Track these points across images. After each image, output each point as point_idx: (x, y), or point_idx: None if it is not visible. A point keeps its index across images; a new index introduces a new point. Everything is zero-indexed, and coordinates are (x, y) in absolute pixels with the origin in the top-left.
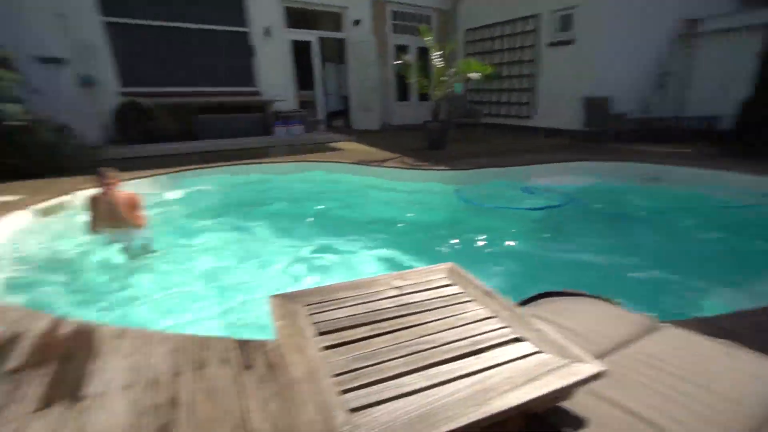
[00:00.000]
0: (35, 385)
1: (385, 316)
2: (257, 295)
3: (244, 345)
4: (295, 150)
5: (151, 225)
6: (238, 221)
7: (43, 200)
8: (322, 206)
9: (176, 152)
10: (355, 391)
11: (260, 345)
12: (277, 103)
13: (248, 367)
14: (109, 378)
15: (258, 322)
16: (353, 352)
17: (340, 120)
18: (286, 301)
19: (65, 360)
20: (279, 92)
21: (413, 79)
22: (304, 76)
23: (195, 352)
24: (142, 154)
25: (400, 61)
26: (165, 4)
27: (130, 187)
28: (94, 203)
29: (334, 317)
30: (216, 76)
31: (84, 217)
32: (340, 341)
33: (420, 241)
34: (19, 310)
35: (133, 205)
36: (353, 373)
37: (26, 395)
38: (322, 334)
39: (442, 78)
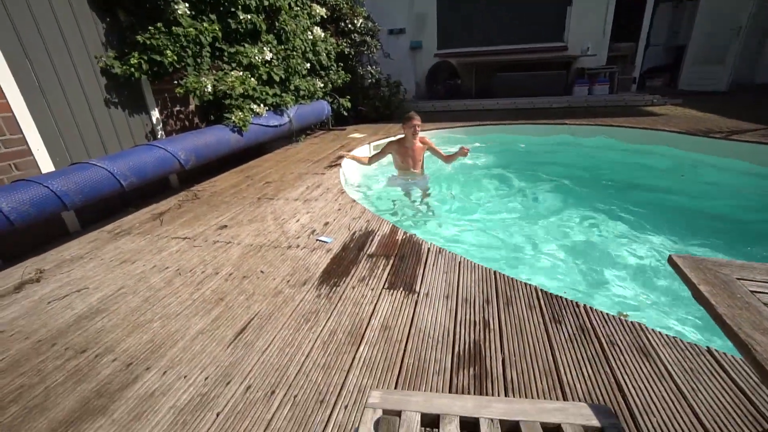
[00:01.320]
0: (384, 269)
1: None
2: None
3: (550, 297)
4: (594, 113)
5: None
6: (509, 180)
7: (377, 139)
8: (626, 183)
9: (477, 107)
10: None
11: (569, 303)
12: (584, 58)
13: (557, 321)
14: (432, 284)
15: (559, 279)
16: None
17: (660, 79)
18: (700, 265)
19: (400, 258)
20: (589, 46)
21: None
22: (623, 25)
23: (501, 287)
24: (446, 108)
25: None
26: None
27: (431, 136)
28: (399, 147)
29: None
30: (524, 33)
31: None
32: None
33: None
34: (370, 214)
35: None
36: None
37: (380, 274)
38: None
39: None
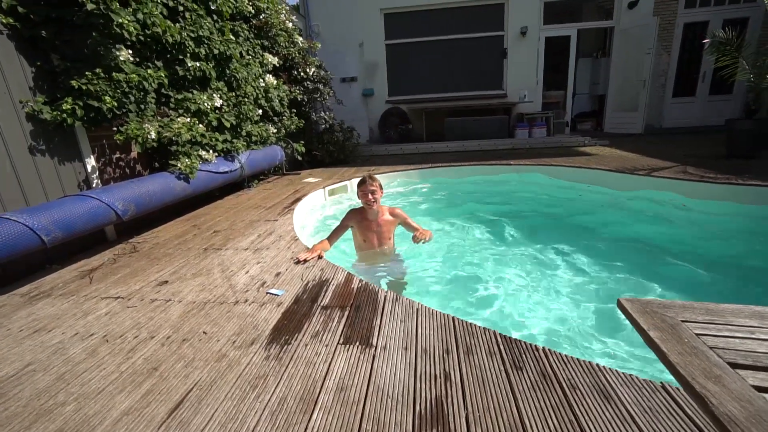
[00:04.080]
0: (339, 321)
1: None
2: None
3: (510, 342)
4: (537, 153)
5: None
6: (473, 217)
7: (332, 183)
8: (569, 216)
9: (429, 150)
10: None
11: (529, 347)
12: (522, 104)
13: (518, 368)
14: (389, 334)
15: (517, 321)
16: None
17: (588, 123)
18: (647, 308)
19: (356, 309)
20: (525, 93)
21: (724, 63)
22: (552, 76)
23: (461, 335)
24: (399, 152)
25: (708, 40)
26: (436, 19)
27: (384, 179)
28: (360, 219)
29: (750, 349)
30: (466, 82)
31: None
32: None
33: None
34: (324, 262)
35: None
36: None
37: (335, 328)
38: (737, 367)
39: None
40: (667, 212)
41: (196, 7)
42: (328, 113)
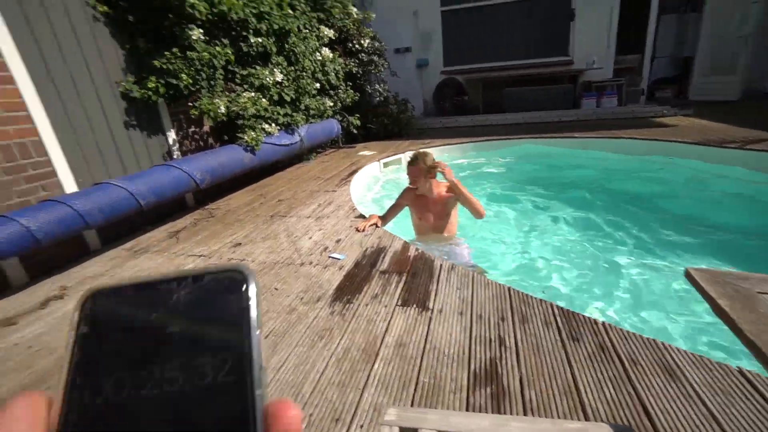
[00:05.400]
0: (396, 285)
1: None
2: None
3: (567, 314)
4: (605, 125)
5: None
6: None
7: (386, 156)
8: (636, 192)
9: (485, 123)
10: None
11: (587, 321)
12: (590, 71)
13: (575, 339)
14: (445, 300)
15: (576, 296)
16: None
17: (668, 90)
18: (718, 278)
19: (413, 275)
20: (594, 59)
21: None
22: (626, 38)
23: (516, 304)
24: (454, 124)
25: None
26: None
27: (437, 152)
28: (414, 197)
29: None
30: (527, 49)
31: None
32: None
33: None
34: (381, 231)
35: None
36: None
37: (393, 291)
38: None
39: None
40: (760, 191)
41: None
42: (382, 85)
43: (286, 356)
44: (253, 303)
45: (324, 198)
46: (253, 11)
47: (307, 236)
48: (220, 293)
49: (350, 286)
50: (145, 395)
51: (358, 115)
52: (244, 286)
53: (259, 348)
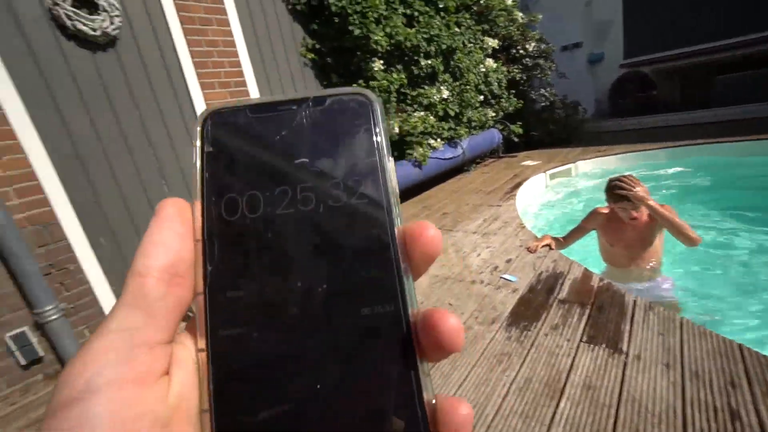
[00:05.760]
0: (579, 318)
1: None
2: None
3: None
4: None
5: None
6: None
7: (553, 166)
8: None
9: (683, 122)
10: None
11: None
12: None
13: None
14: (643, 345)
15: None
16: None
17: None
18: None
19: (598, 309)
20: None
21: None
22: None
23: (753, 368)
24: (636, 126)
25: None
26: None
27: (617, 161)
28: (607, 222)
29: None
30: (742, 22)
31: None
32: None
33: None
34: (556, 254)
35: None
36: None
37: (575, 324)
38: None
39: None
40: None
41: (427, 9)
42: (548, 89)
43: (466, 374)
44: (381, 128)
45: (489, 213)
46: (424, 36)
47: (475, 253)
48: (346, 117)
49: (525, 312)
50: (282, 213)
51: (519, 123)
52: (370, 111)
53: (393, 175)
